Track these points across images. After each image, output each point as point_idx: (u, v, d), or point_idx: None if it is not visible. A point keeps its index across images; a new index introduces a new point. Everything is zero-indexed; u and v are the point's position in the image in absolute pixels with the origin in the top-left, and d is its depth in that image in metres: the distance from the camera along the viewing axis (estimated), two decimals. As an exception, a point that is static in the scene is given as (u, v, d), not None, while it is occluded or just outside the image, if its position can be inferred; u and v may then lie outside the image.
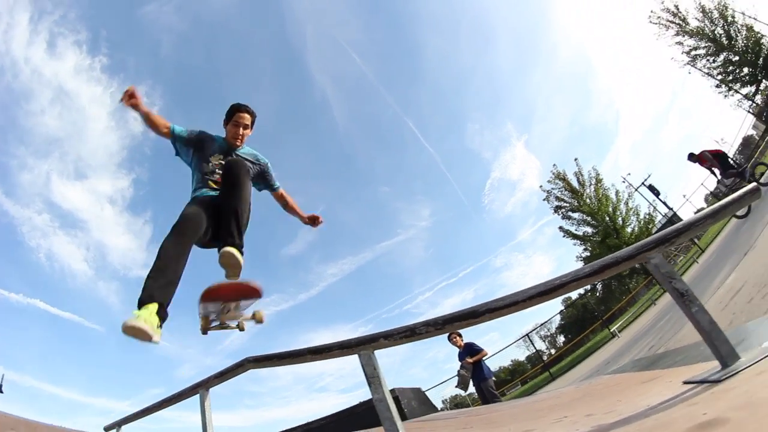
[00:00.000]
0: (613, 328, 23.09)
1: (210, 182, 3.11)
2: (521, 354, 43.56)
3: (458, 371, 8.05)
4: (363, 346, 2.52)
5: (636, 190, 29.10)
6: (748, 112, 26.56)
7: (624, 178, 30.20)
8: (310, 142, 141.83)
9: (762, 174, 10.76)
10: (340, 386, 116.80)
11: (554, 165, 28.60)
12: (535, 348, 29.66)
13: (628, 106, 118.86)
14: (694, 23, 26.24)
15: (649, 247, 2.06)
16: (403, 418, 12.65)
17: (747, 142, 30.33)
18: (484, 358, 8.27)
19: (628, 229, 25.45)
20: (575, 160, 28.00)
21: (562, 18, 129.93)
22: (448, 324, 2.37)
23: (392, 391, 14.35)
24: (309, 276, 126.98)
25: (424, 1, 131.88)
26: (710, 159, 11.43)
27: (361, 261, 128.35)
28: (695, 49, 26.70)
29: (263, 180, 3.56)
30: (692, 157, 11.94)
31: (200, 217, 2.76)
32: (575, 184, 27.41)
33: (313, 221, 3.70)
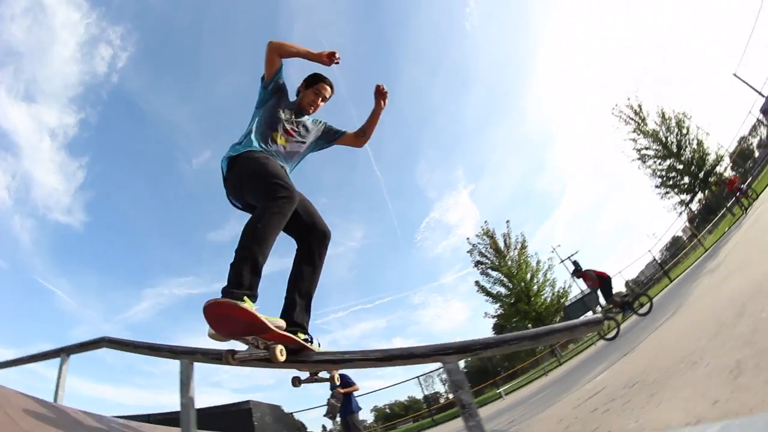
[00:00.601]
0: (503, 388, 23.49)
1: (277, 133, 2.86)
2: (419, 392, 43.85)
3: (328, 399, 8.07)
4: (185, 356, 2.85)
5: (562, 262, 30.51)
6: (680, 214, 28.02)
7: (553, 249, 31.29)
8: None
9: (642, 305, 11.13)
10: (235, 385, 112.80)
11: (486, 222, 29.68)
12: (434, 389, 30.01)
13: (576, 182, 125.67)
14: (651, 125, 27.60)
15: (447, 351, 2.01)
16: (251, 430, 12.34)
17: (675, 241, 32.17)
18: (354, 393, 8.33)
19: (541, 299, 26.11)
20: (507, 222, 29.59)
21: (538, 88, 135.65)
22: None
23: (246, 402, 13.79)
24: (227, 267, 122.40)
25: (414, 32, 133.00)
26: (593, 279, 11.81)
27: (282, 264, 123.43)
28: (647, 148, 28.03)
29: (330, 135, 3.35)
30: (577, 273, 12.31)
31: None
32: (501, 244, 28.14)
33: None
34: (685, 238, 29.84)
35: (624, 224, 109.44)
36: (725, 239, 14.33)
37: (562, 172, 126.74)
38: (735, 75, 15.69)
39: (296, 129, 3.00)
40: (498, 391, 23.17)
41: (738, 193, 19.14)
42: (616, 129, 29.32)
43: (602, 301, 12.91)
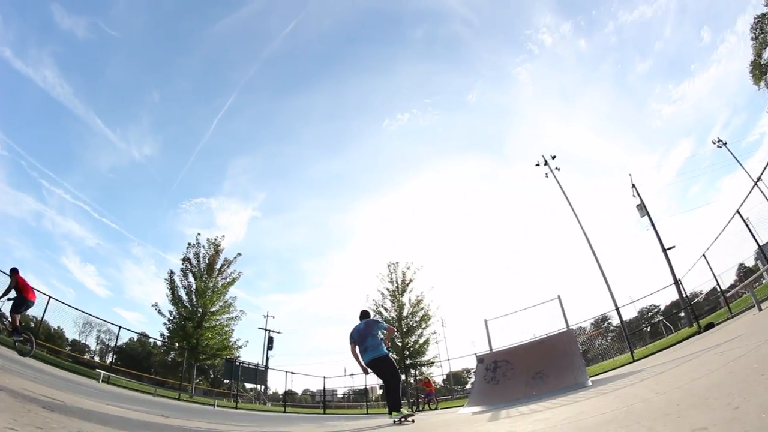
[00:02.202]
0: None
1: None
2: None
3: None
4: None
5: (266, 332, 29.02)
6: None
7: (267, 314, 31.15)
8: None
9: None
10: None
11: (223, 236, 27.21)
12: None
13: (327, 289, 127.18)
14: (406, 298, 28.46)
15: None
16: None
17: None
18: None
19: (209, 334, 23.35)
20: (238, 254, 26.88)
21: (372, 204, 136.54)
22: None
23: None
24: (32, 49, 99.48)
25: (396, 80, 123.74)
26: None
27: (71, 104, 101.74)
28: (385, 309, 28.64)
29: None
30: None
31: None
32: (218, 263, 25.66)
33: None
34: (371, 394, 30.61)
35: (328, 349, 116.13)
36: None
37: (328, 273, 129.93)
38: (485, 320, 14.32)
39: None
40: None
41: (426, 396, 19.41)
42: (381, 278, 29.68)
43: None
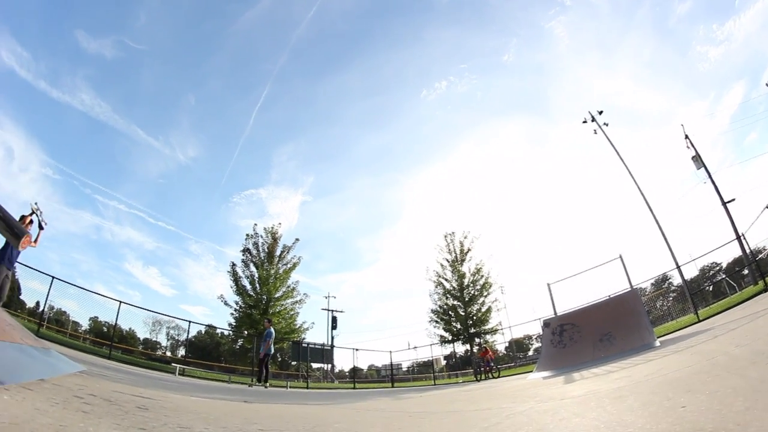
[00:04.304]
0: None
1: None
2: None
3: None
4: None
5: (329, 312, 29.49)
6: (441, 345, 29.08)
7: (329, 294, 31.43)
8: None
9: None
10: None
11: (280, 224, 27.95)
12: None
13: (384, 265, 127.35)
14: (465, 268, 28.32)
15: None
16: None
17: (426, 364, 35.62)
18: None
19: (276, 319, 24.15)
20: (296, 239, 27.46)
21: (421, 175, 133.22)
22: None
23: None
24: (66, 77, 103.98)
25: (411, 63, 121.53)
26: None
27: (112, 121, 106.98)
28: (446, 280, 28.61)
29: None
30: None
31: None
32: (278, 251, 26.29)
33: None
34: (435, 366, 30.76)
35: (391, 323, 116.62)
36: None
37: (383, 249, 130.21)
38: (548, 284, 14.27)
39: None
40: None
41: (486, 364, 19.47)
42: (439, 249, 29.68)
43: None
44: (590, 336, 10.32)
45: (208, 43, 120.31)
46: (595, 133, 25.70)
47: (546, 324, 12.48)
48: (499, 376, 18.23)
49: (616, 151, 23.99)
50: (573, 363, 9.58)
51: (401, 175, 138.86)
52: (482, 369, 19.32)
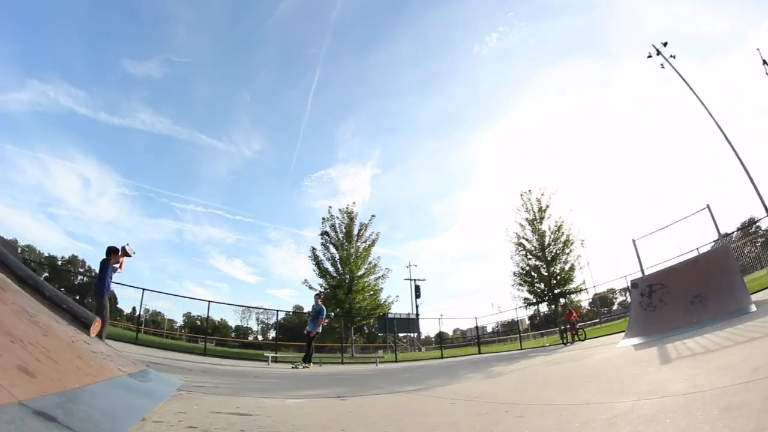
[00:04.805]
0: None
1: None
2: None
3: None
4: None
5: (412, 282, 29.61)
6: (526, 308, 28.45)
7: (409, 265, 30.97)
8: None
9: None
10: (70, 226, 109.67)
11: (354, 203, 28.40)
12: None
13: (461, 228, 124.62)
14: (544, 226, 27.24)
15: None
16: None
17: (512, 324, 35.85)
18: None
19: (360, 296, 25.17)
20: (372, 216, 27.86)
21: (488, 136, 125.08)
22: None
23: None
24: (122, 103, 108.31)
25: (428, 19, 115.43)
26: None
27: (174, 132, 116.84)
28: (527, 240, 27.53)
29: None
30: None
31: None
32: (355, 231, 26.77)
33: None
34: (520, 327, 30.36)
35: (473, 285, 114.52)
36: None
37: (458, 212, 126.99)
38: (633, 240, 14.11)
39: None
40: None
41: (571, 326, 19.30)
42: (516, 209, 28.80)
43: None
44: (681, 298, 9.98)
45: (250, 41, 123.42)
46: (662, 67, 23.93)
47: (634, 285, 12.16)
48: (585, 338, 18.08)
49: (687, 85, 22.26)
50: (664, 328, 9.35)
51: (466, 135, 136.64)
52: (568, 330, 19.16)
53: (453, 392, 5.38)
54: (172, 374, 6.09)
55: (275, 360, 14.30)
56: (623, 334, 11.52)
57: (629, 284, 12.76)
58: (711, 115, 20.94)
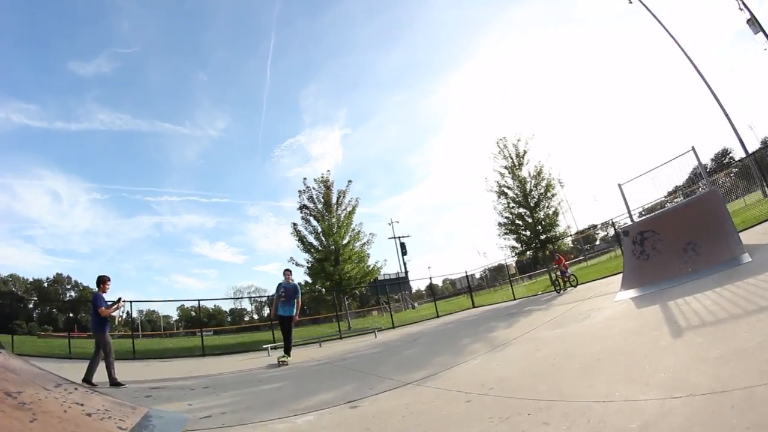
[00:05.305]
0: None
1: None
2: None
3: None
4: None
5: (396, 240, 29.41)
6: (514, 256, 28.57)
7: (391, 221, 30.60)
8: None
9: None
10: (49, 245, 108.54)
11: (328, 171, 28.19)
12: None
13: (437, 177, 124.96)
14: (524, 173, 26.81)
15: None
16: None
17: (500, 268, 36.40)
18: None
19: (348, 266, 24.94)
20: (348, 182, 27.62)
21: (454, 82, 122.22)
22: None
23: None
24: (77, 107, 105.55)
25: None
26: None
27: (136, 126, 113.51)
28: (509, 188, 27.24)
29: None
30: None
31: None
32: (334, 199, 26.27)
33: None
34: (509, 272, 31.05)
35: (457, 233, 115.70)
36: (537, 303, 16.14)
37: (432, 160, 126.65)
38: (619, 185, 13.95)
39: None
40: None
41: (561, 273, 19.42)
42: (493, 157, 28.26)
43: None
44: (674, 245, 9.96)
45: (198, 19, 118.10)
46: (630, 2, 23.44)
47: (624, 232, 12.13)
48: (577, 284, 18.27)
49: (655, 17, 21.82)
50: (660, 278, 9.36)
51: (431, 84, 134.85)
52: (559, 277, 19.34)
53: (465, 381, 5.20)
54: (176, 403, 5.81)
55: (274, 348, 14.04)
56: (614, 281, 11.44)
57: (620, 231, 12.69)
58: (678, 44, 20.67)
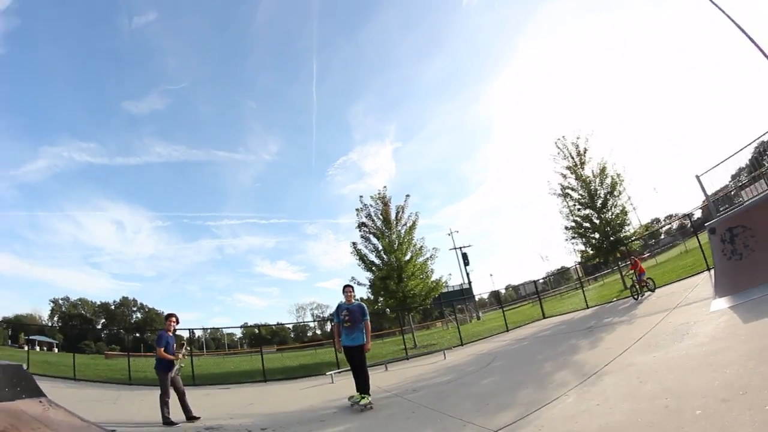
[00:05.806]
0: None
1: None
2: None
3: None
4: None
5: (457, 250, 28.90)
6: (582, 262, 27.96)
7: (451, 232, 30.14)
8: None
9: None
10: (115, 270, 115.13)
11: (385, 187, 27.02)
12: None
13: (493, 182, 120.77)
14: (587, 172, 25.84)
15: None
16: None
17: (564, 271, 36.10)
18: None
19: (412, 283, 24.65)
20: (407, 196, 26.84)
21: (499, 86, 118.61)
22: None
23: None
24: (135, 142, 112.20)
25: None
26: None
27: (192, 156, 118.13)
28: (572, 189, 26.34)
29: None
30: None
31: None
32: (393, 215, 26.00)
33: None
34: (573, 275, 29.44)
35: (515, 234, 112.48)
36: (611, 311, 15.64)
37: (487, 166, 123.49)
38: (697, 177, 13.09)
39: None
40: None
41: (638, 279, 18.01)
42: (553, 158, 27.45)
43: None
44: (768, 242, 8.98)
45: (239, 50, 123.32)
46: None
47: (711, 230, 10.87)
48: (655, 288, 17.16)
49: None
50: (759, 281, 8.29)
51: (477, 88, 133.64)
52: (636, 282, 18.17)
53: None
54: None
55: (338, 373, 13.92)
56: (697, 282, 10.44)
57: (707, 230, 11.55)
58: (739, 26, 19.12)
